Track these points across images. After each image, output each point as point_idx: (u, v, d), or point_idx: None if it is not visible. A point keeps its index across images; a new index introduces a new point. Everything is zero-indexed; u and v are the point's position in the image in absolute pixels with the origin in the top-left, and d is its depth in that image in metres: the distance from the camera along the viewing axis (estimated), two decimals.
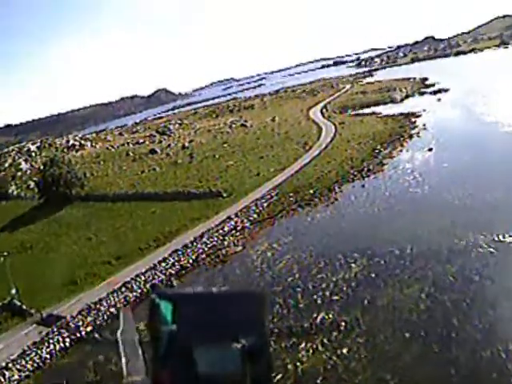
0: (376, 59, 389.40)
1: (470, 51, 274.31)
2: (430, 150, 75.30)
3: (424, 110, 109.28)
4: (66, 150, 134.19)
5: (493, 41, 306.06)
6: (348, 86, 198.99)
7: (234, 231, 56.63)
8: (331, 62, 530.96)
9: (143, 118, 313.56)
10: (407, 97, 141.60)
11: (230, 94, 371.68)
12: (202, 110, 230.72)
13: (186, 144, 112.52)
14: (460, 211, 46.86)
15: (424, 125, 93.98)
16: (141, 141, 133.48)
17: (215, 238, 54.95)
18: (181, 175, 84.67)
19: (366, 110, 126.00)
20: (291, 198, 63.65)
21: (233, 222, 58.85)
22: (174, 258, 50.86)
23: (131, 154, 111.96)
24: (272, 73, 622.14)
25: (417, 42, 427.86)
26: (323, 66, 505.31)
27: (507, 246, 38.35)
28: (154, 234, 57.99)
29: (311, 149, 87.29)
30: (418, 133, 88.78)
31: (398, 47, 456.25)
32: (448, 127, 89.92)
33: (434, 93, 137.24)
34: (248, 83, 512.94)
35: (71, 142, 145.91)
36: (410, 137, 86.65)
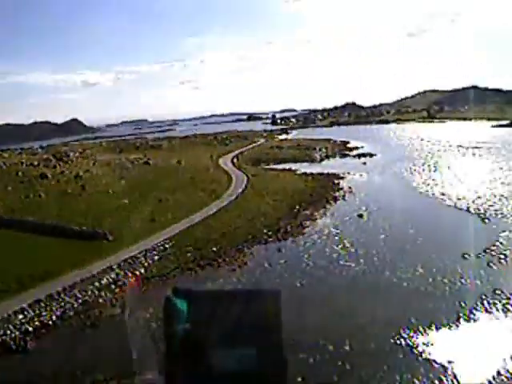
0: (292, 119, 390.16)
1: (394, 121, 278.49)
2: (361, 216, 67.61)
3: (348, 173, 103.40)
4: None
5: (418, 113, 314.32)
6: (262, 140, 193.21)
7: (113, 286, 46.35)
8: (245, 117, 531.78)
9: (50, 144, 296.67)
10: (327, 157, 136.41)
11: (140, 134, 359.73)
12: (106, 143, 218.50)
13: (81, 173, 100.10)
14: (412, 297, 38.11)
15: (350, 188, 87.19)
16: (35, 163, 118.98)
17: (89, 292, 44.79)
18: (66, 207, 72.46)
19: (282, 166, 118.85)
20: (189, 254, 53.60)
21: (114, 275, 48.69)
22: (34, 311, 40.75)
23: (20, 175, 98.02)
24: (184, 120, 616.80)
25: (336, 108, 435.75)
26: (237, 120, 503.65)
27: (478, 352, 29.42)
28: (18, 274, 46.46)
29: (219, 198, 77.51)
30: (344, 196, 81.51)
31: (315, 111, 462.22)
32: (377, 192, 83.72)
33: (358, 156, 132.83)
34: (160, 126, 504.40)
35: None
36: (335, 199, 79.01)
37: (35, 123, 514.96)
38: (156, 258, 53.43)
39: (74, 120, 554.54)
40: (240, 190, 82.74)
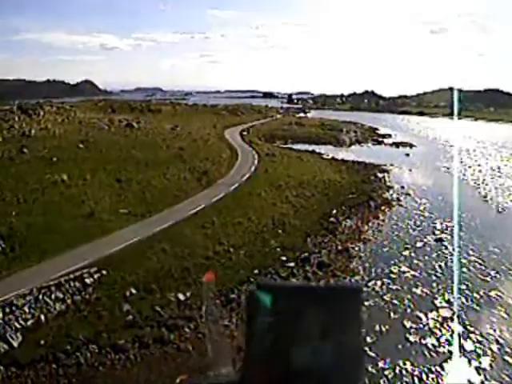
0: (309, 100, 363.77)
1: (418, 113, 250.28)
2: (440, 241, 38.88)
3: (392, 165, 74.30)
4: None
5: (441, 109, 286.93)
6: (279, 116, 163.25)
7: None
8: (260, 94, 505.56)
9: (48, 99, 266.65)
10: (358, 142, 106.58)
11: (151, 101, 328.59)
12: (102, 103, 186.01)
13: (33, 131, 71.00)
14: None
15: (402, 187, 58.24)
16: None
17: None
18: None
19: (303, 147, 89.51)
20: (126, 307, 26.37)
21: None
22: None
23: None
24: (199, 92, 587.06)
25: (355, 94, 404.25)
26: (252, 97, 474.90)
27: None
28: None
29: (212, 185, 48.43)
30: (399, 198, 52.61)
31: (332, 96, 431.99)
32: (443, 198, 54.20)
33: (396, 145, 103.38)
34: (173, 95, 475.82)
35: None
36: (388, 204, 50.05)
37: (48, 81, 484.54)
38: (58, 307, 25.01)
39: (88, 82, 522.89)
40: (246, 175, 53.28)
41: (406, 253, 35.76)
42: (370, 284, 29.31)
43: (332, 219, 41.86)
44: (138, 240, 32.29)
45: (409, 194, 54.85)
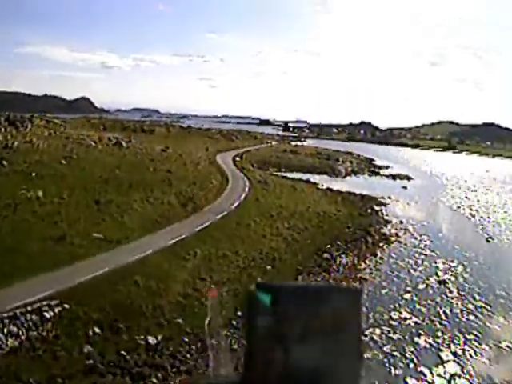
0: (305, 129, 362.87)
1: (414, 146, 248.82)
2: (443, 282, 35.82)
3: (389, 197, 71.59)
4: None
5: (437, 142, 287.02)
6: (274, 143, 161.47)
7: None
8: (257, 121, 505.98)
9: (43, 114, 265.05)
10: (354, 172, 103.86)
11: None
12: (99, 121, 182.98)
13: (16, 144, 68.39)
14: None
15: (401, 222, 55.34)
16: None
17: None
18: None
19: (298, 175, 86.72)
20: (87, 349, 23.15)
21: None
22: None
23: None
24: (196, 116, 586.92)
25: (351, 124, 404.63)
26: (248, 123, 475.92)
27: None
28: None
29: (198, 212, 45.26)
30: (398, 234, 49.61)
31: (327, 125, 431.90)
32: (444, 236, 51.95)
33: (393, 177, 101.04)
34: (168, 118, 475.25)
35: None
36: (386, 239, 47.10)
37: (45, 96, 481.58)
38: (11, 343, 22.13)
39: (85, 99, 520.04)
40: (236, 203, 50.16)
41: (407, 296, 32.56)
42: (367, 332, 26.01)
43: (326, 255, 38.66)
44: (110, 270, 28.95)
45: (408, 230, 51.94)
